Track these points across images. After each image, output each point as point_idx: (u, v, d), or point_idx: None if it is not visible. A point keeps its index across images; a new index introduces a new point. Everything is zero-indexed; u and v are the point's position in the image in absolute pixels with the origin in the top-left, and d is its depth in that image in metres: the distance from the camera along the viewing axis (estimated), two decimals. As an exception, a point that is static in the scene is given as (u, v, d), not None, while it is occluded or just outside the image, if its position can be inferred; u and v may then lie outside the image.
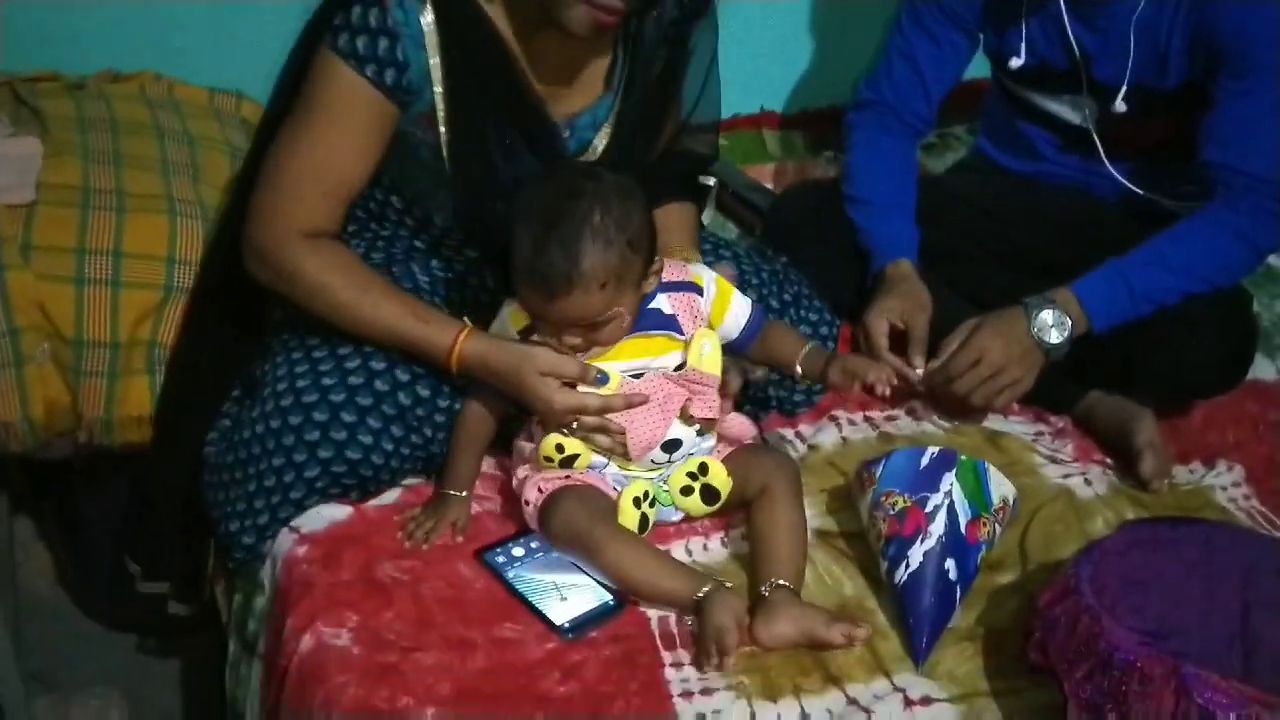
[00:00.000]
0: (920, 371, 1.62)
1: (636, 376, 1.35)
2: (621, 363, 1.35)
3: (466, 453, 1.40)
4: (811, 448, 1.62)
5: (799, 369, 1.44)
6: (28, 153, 1.61)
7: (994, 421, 1.67)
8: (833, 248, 1.78)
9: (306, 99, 1.38)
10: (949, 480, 1.38)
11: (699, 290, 1.39)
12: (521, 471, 1.40)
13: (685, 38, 1.53)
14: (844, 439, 1.64)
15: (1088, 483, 1.57)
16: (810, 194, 1.91)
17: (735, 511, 1.43)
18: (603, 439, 1.34)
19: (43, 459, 1.69)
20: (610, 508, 1.34)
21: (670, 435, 1.35)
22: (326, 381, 1.38)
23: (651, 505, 1.37)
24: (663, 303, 1.36)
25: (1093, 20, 1.64)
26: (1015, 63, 1.71)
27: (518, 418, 1.42)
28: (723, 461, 1.40)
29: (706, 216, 2.04)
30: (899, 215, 1.77)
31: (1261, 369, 1.75)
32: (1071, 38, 1.65)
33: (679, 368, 1.36)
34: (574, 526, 1.31)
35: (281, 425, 1.37)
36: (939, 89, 1.81)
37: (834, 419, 1.67)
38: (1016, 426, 1.67)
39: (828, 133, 2.27)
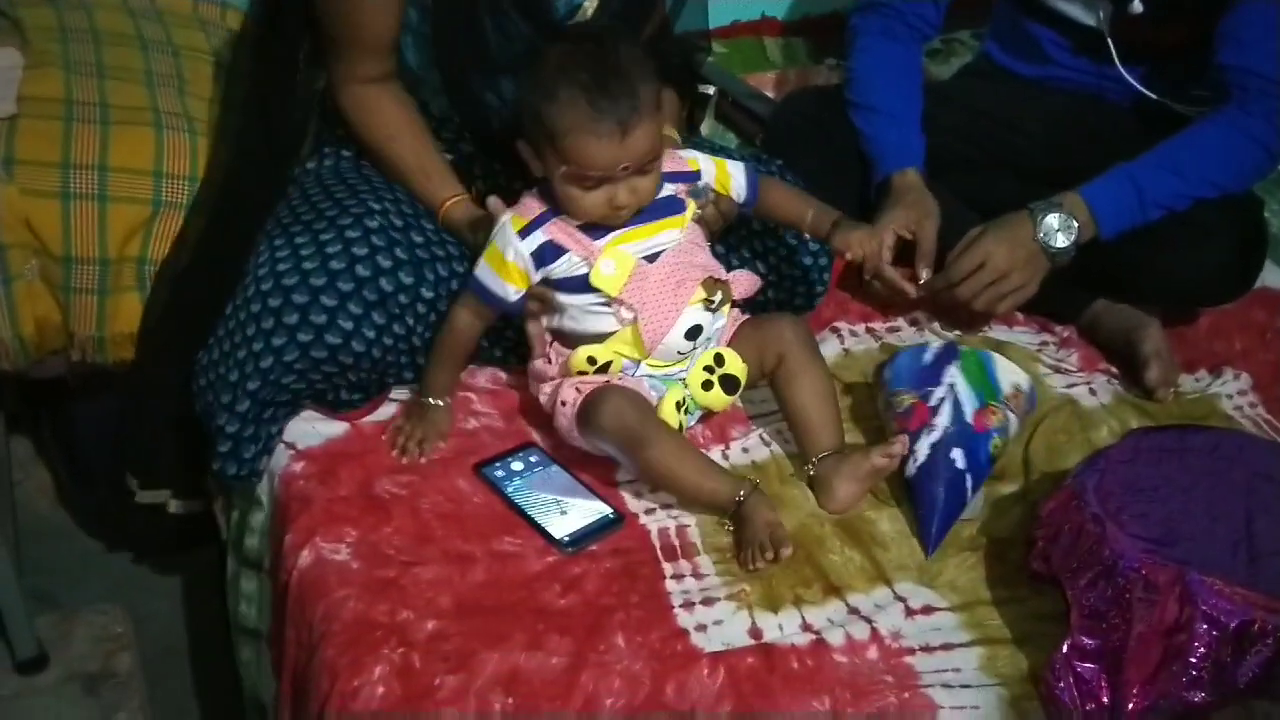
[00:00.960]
0: (923, 289, 1.60)
1: (650, 259, 1.35)
2: (634, 244, 1.34)
3: (448, 363, 1.40)
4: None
5: (808, 224, 1.43)
6: (7, 64, 1.57)
7: (998, 331, 1.66)
8: (835, 155, 1.74)
9: None
10: (952, 372, 1.41)
11: (697, 175, 1.40)
12: (548, 386, 1.38)
13: None
14: (846, 350, 1.63)
15: (1092, 392, 1.56)
16: (812, 100, 1.86)
17: (755, 387, 1.45)
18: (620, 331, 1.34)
19: (36, 377, 1.67)
20: (653, 410, 1.34)
21: (691, 322, 1.34)
22: (307, 265, 1.37)
23: (687, 412, 1.38)
24: (668, 190, 1.37)
25: None
26: None
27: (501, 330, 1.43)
28: (731, 339, 1.41)
29: (706, 126, 2.00)
30: (905, 122, 1.73)
31: (1271, 276, 1.73)
32: None
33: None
34: (624, 419, 1.30)
35: (262, 309, 1.36)
36: None
37: (835, 330, 1.66)
38: (1021, 336, 1.66)
39: (830, 40, 2.22)
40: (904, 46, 1.78)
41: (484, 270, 1.35)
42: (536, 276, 1.34)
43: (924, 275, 1.61)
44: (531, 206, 1.34)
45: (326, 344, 1.35)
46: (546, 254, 1.33)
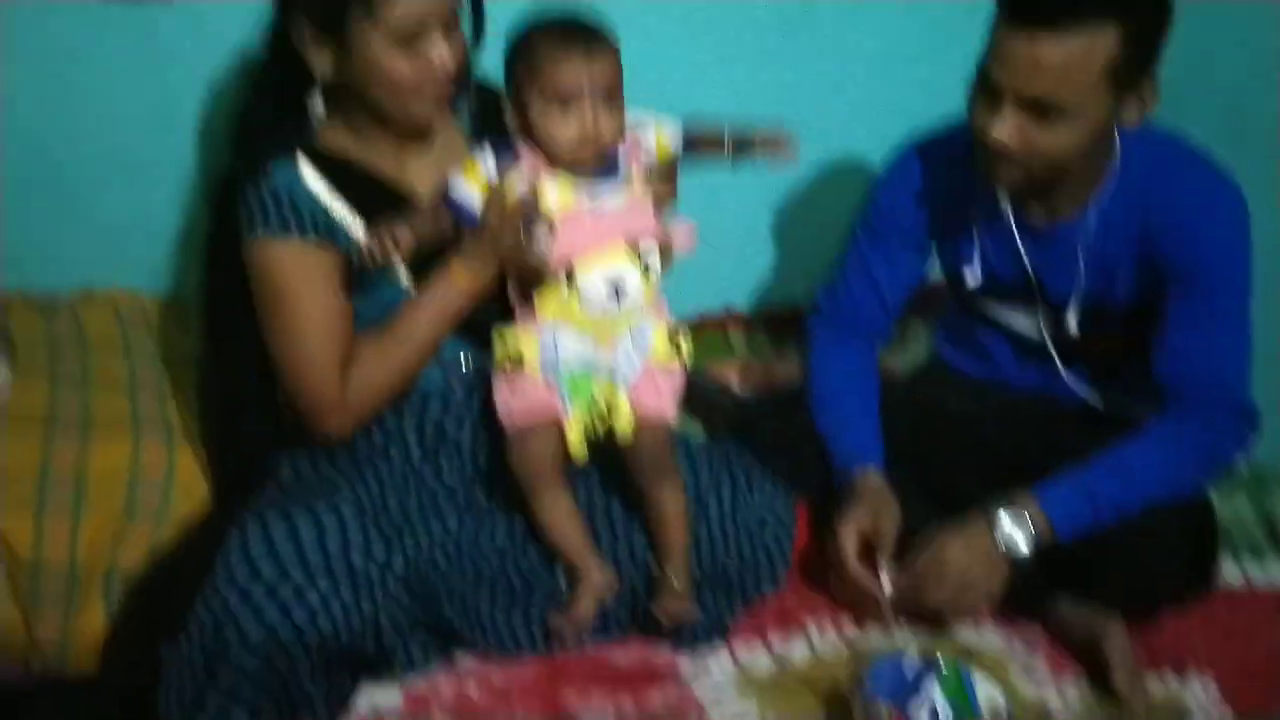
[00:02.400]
0: (889, 588, 1.62)
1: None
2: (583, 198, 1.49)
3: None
4: (780, 661, 1.61)
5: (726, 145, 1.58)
6: (-6, 379, 1.62)
7: (966, 634, 1.67)
8: (800, 452, 1.79)
9: (266, 291, 1.50)
10: (932, 686, 1.42)
11: (641, 132, 1.55)
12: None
13: None
14: (815, 654, 1.63)
15: (1062, 696, 1.56)
16: (776, 403, 1.93)
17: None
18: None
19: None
20: (561, 439, 1.52)
21: (614, 273, 1.49)
22: (278, 543, 1.40)
23: (594, 430, 1.54)
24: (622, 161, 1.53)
25: (1042, 240, 1.69)
26: (970, 281, 1.74)
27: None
28: (637, 437, 1.54)
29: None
30: (863, 422, 1.80)
31: (1228, 573, 1.76)
32: (1023, 254, 1.70)
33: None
34: (528, 467, 1.53)
35: (229, 587, 1.38)
36: (895, 300, 1.84)
37: (803, 629, 1.67)
38: (989, 638, 1.67)
39: (791, 331, 2.31)
40: (856, 350, 1.86)
41: (455, 177, 1.49)
42: (493, 176, 1.48)
43: (885, 580, 1.63)
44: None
45: (293, 622, 1.35)
46: (503, 156, 1.49)
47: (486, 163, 1.49)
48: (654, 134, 1.56)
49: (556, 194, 1.49)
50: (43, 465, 1.58)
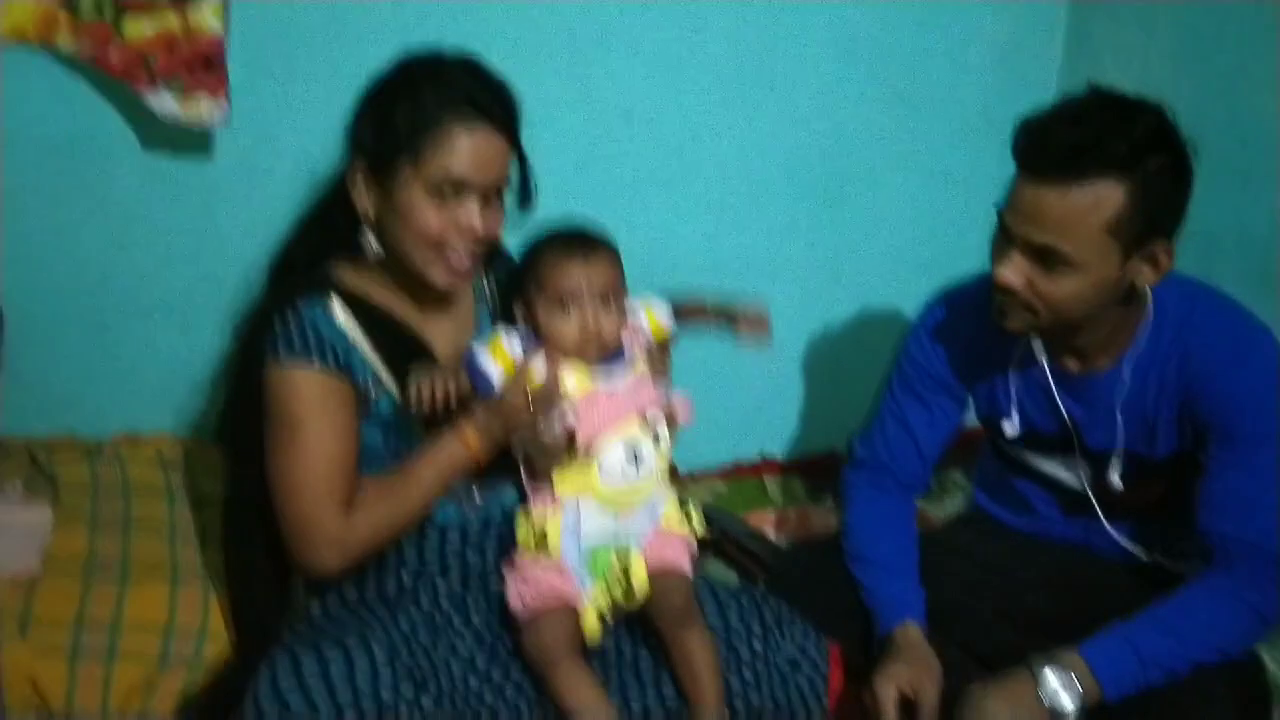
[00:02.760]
0: None
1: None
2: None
3: None
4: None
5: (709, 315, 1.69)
6: (36, 521, 1.64)
7: (1011, 794, 1.61)
8: (838, 604, 1.77)
9: (278, 415, 1.52)
10: None
11: (638, 322, 1.64)
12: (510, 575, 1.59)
13: None
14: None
15: None
16: (814, 549, 1.91)
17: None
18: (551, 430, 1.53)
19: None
20: (576, 622, 1.53)
21: (632, 443, 1.55)
22: (308, 679, 1.39)
23: (612, 610, 1.56)
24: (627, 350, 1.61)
25: (1078, 391, 1.69)
26: (1009, 430, 1.74)
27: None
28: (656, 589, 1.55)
29: (709, 566, 2.05)
30: (902, 575, 1.77)
31: (1283, 733, 1.70)
32: (1061, 407, 1.69)
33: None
34: (540, 650, 1.52)
35: None
36: (932, 449, 1.84)
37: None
38: (1035, 799, 1.60)
39: (828, 477, 2.31)
40: (895, 500, 1.85)
41: (479, 349, 1.55)
42: (518, 357, 1.55)
43: None
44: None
45: None
46: (526, 348, 1.56)
47: (512, 342, 1.56)
48: (645, 316, 1.65)
49: (574, 380, 1.56)
50: (79, 611, 1.59)
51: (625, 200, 2.24)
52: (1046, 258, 1.50)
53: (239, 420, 1.64)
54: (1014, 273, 1.53)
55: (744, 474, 2.37)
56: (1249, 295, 1.68)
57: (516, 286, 1.60)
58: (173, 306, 2.03)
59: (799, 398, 2.53)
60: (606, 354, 1.59)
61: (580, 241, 1.57)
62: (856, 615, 1.76)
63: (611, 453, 1.55)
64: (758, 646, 1.62)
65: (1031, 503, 1.85)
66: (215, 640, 1.64)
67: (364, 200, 1.55)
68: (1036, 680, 1.55)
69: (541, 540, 1.54)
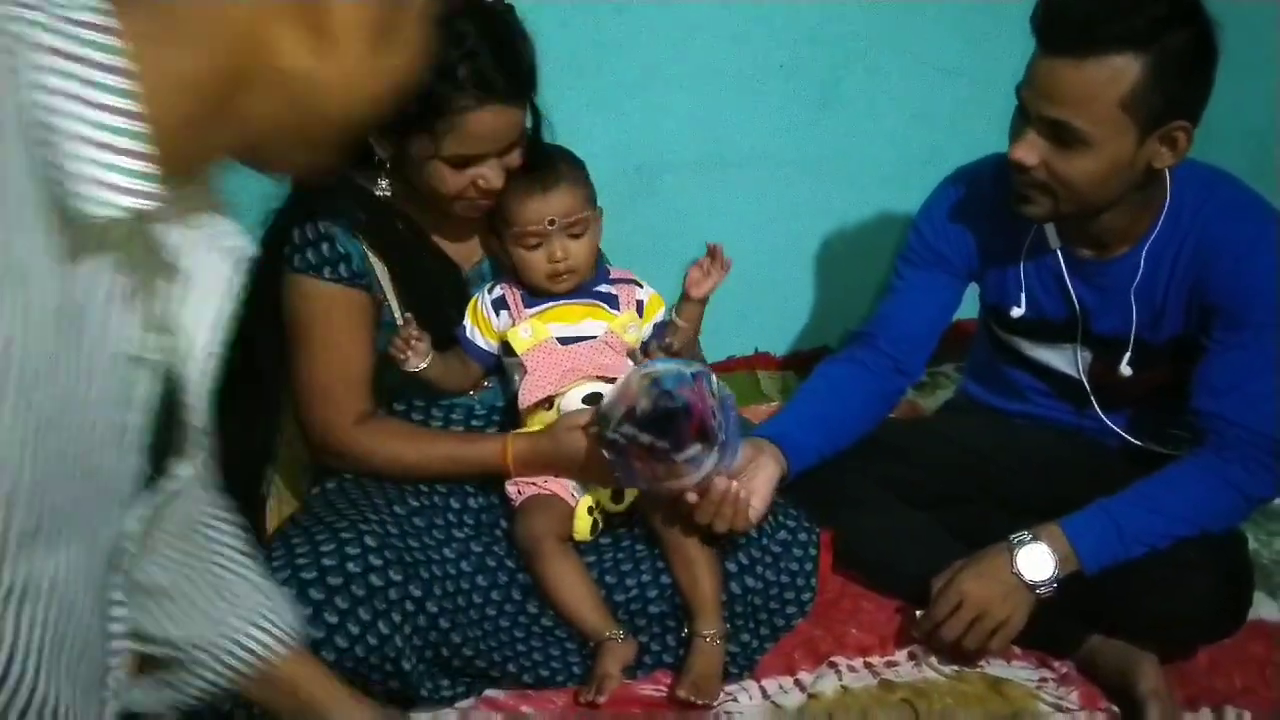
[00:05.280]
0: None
1: (564, 342, 1.60)
2: (558, 325, 1.60)
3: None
4: (812, 696, 1.60)
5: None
6: None
7: (996, 667, 1.65)
8: (828, 491, 1.77)
9: (295, 321, 1.58)
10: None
11: (639, 286, 1.69)
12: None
13: None
14: (844, 687, 1.62)
15: (1097, 734, 1.54)
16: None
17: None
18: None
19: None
20: (568, 514, 1.58)
21: (588, 389, 1.58)
22: (301, 564, 1.42)
23: (599, 514, 1.61)
24: (605, 286, 1.65)
25: (1092, 277, 1.68)
26: (1016, 313, 1.73)
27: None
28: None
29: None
30: (799, 417, 1.77)
31: (1265, 609, 1.73)
32: (1072, 292, 1.69)
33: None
34: (530, 534, 1.57)
35: None
36: (929, 328, 1.82)
37: (834, 665, 1.65)
38: (1020, 672, 1.64)
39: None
40: (860, 374, 1.80)
41: (466, 324, 1.64)
42: (496, 323, 1.62)
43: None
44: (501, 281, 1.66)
45: (313, 637, 1.34)
46: (499, 305, 1.63)
47: (485, 301, 1.63)
48: (648, 294, 1.68)
49: (530, 332, 1.60)
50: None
51: (617, 97, 2.22)
52: (1062, 135, 1.48)
53: (253, 314, 1.65)
54: (1028, 151, 1.50)
55: (738, 367, 2.38)
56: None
57: (489, 225, 1.63)
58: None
59: (795, 294, 2.53)
60: (583, 284, 1.62)
61: (541, 170, 1.56)
62: (846, 502, 1.78)
63: (570, 401, 1.58)
64: (751, 531, 1.65)
65: (1024, 390, 1.85)
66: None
67: (385, 148, 1.54)
68: (1011, 553, 1.58)
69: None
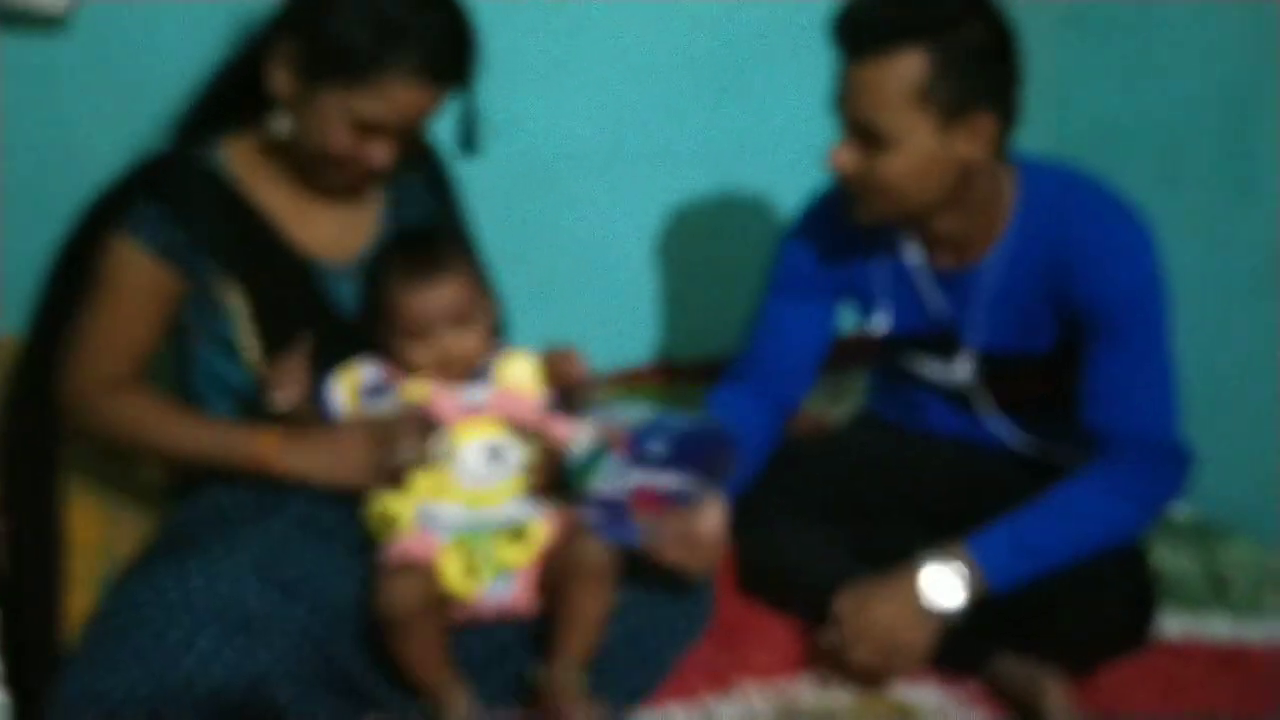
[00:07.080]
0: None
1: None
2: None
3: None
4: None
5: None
6: None
7: (902, 689, 1.61)
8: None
9: (97, 279, 1.52)
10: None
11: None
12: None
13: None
14: (752, 709, 1.56)
15: (1003, 756, 1.51)
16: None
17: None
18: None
19: None
20: (431, 584, 1.42)
21: (493, 440, 1.49)
22: (167, 588, 1.33)
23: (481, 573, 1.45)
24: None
25: (954, 288, 1.67)
26: (883, 329, 1.73)
27: None
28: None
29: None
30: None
31: (1170, 627, 1.73)
32: (930, 301, 1.68)
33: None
34: (389, 612, 1.39)
35: (108, 637, 1.31)
36: (804, 358, 1.78)
37: (738, 688, 1.60)
38: (926, 695, 1.61)
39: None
40: (755, 407, 1.76)
41: (333, 388, 1.52)
42: (369, 405, 1.51)
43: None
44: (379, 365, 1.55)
45: (184, 669, 1.25)
46: (377, 388, 1.52)
47: (363, 377, 1.52)
48: (523, 369, 1.57)
49: (418, 390, 1.52)
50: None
51: (511, 88, 2.13)
52: (868, 137, 1.51)
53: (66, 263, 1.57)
54: (842, 156, 1.53)
55: (638, 380, 2.32)
56: (1151, 188, 1.66)
57: (368, 309, 1.55)
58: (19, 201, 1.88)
59: (697, 297, 2.47)
60: (471, 373, 1.53)
61: (422, 262, 1.49)
62: (749, 519, 1.72)
63: (468, 450, 1.49)
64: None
65: (917, 403, 1.83)
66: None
67: (283, 83, 1.46)
68: (918, 577, 1.54)
69: (391, 521, 1.47)
